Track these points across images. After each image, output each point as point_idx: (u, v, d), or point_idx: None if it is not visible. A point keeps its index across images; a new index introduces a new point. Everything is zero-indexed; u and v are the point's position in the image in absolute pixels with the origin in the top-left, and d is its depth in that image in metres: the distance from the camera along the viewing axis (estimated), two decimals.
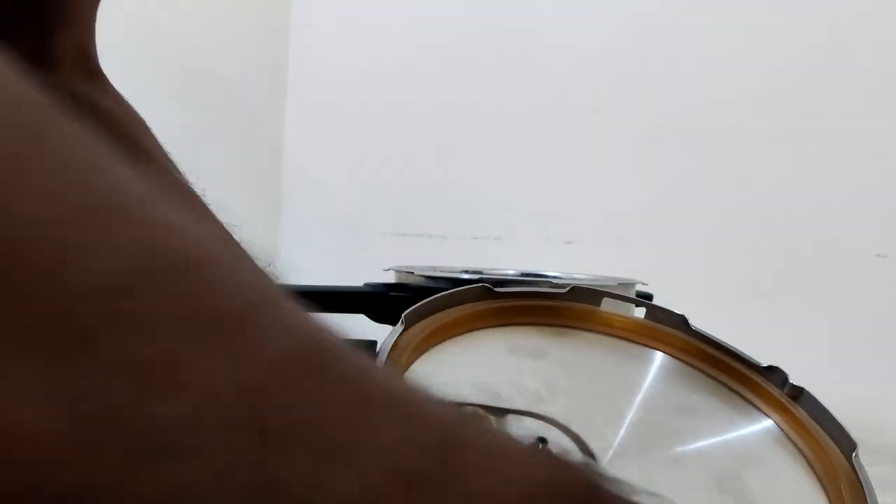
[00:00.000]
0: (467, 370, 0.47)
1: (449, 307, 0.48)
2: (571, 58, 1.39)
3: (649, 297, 0.79)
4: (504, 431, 0.21)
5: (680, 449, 0.45)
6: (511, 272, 0.92)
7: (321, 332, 0.18)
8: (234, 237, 0.48)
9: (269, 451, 0.16)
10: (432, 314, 0.48)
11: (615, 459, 0.44)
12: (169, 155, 0.52)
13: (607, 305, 0.52)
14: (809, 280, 1.18)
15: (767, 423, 0.47)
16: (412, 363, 0.45)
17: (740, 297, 1.21)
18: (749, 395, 0.48)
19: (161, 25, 1.24)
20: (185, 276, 0.16)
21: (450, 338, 0.48)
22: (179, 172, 0.52)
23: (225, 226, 0.49)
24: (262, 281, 0.18)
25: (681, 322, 0.51)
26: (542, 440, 0.42)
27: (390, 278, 0.86)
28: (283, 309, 0.18)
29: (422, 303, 0.46)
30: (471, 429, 0.20)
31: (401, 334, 0.43)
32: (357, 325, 0.71)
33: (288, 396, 0.16)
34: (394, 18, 1.58)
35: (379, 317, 0.73)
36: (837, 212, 1.18)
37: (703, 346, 0.50)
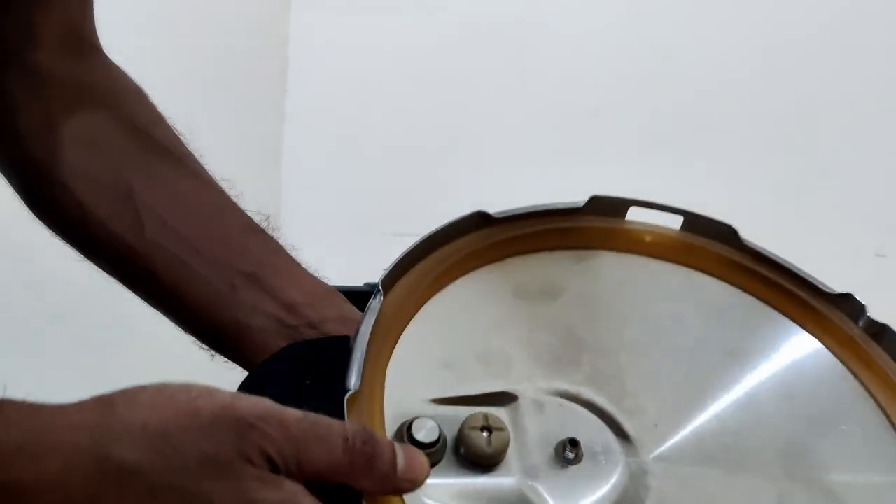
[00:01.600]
0: (467, 333, 0.37)
1: (434, 250, 0.38)
2: (571, 58, 1.40)
3: None
4: None
5: (735, 414, 0.37)
6: None
7: None
8: (230, 196, 0.49)
9: None
10: (416, 264, 0.37)
11: (658, 439, 0.35)
12: (159, 117, 0.51)
13: (635, 219, 0.42)
14: None
15: (839, 369, 0.38)
16: (402, 332, 0.35)
17: None
18: (816, 330, 0.39)
19: (156, 26, 1.26)
20: None
21: (439, 290, 0.37)
22: (169, 134, 0.51)
23: (219, 185, 0.49)
24: None
25: (729, 234, 0.41)
26: (573, 442, 0.33)
27: None
28: None
29: (397, 259, 0.36)
30: None
31: (381, 306, 0.33)
32: None
33: None
34: (394, 18, 1.58)
35: None
36: (837, 212, 1.15)
37: (758, 267, 0.40)
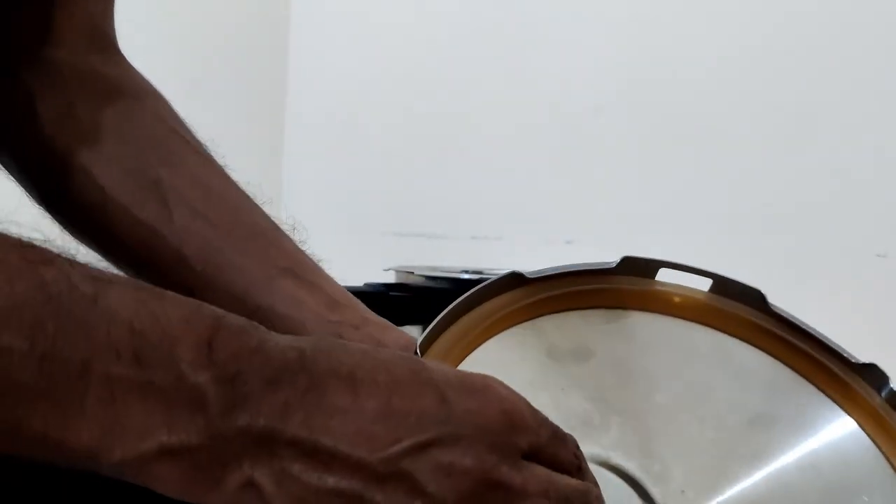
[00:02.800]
0: None
1: (470, 310, 0.39)
2: (571, 57, 1.38)
3: None
4: None
5: (761, 483, 0.37)
6: None
7: None
8: (241, 186, 0.49)
9: None
10: (451, 326, 0.38)
11: None
12: (183, 122, 0.51)
13: (665, 280, 0.43)
14: (810, 280, 1.16)
15: (862, 440, 0.39)
16: None
17: None
18: (841, 399, 0.40)
19: (157, 30, 1.24)
20: None
21: (474, 349, 0.38)
22: (192, 135, 0.51)
23: (227, 173, 0.50)
24: None
25: (757, 299, 0.42)
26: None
27: (390, 278, 0.87)
28: None
29: (435, 322, 0.37)
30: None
31: None
32: None
33: None
34: (394, 18, 1.57)
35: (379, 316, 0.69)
36: (837, 212, 1.15)
37: (785, 333, 0.41)
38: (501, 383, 0.31)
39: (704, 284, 0.43)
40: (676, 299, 0.42)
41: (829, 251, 1.18)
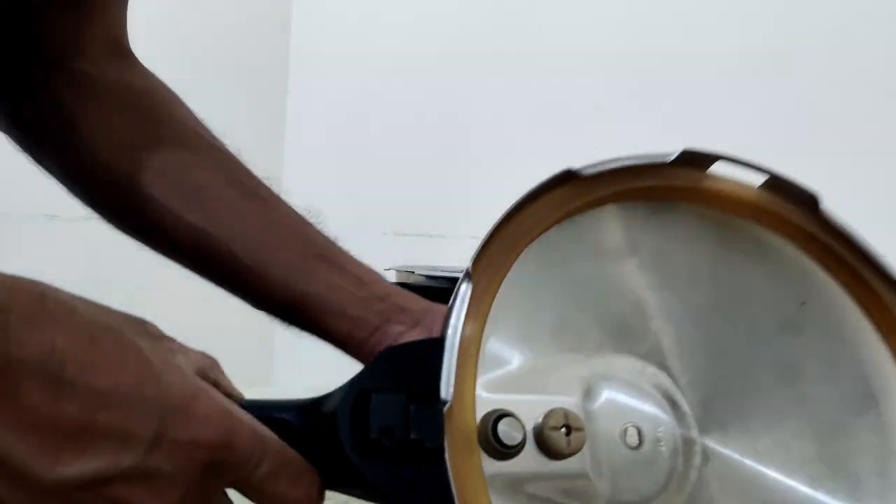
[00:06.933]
0: (544, 301, 0.37)
1: (521, 210, 0.37)
2: (571, 57, 1.40)
3: None
4: None
5: (780, 393, 0.39)
6: None
7: None
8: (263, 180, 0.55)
9: None
10: (502, 229, 0.36)
11: (705, 416, 0.37)
12: (203, 123, 0.55)
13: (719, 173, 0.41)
14: None
15: (889, 362, 0.39)
16: (489, 311, 0.35)
17: None
18: (878, 319, 0.40)
19: (157, 30, 1.19)
20: None
21: (523, 249, 0.37)
22: (215, 139, 0.55)
23: (249, 168, 0.54)
24: None
25: (811, 202, 0.40)
26: (635, 428, 0.35)
27: (391, 278, 0.87)
28: None
29: (493, 226, 0.35)
30: None
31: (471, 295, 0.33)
32: None
33: None
34: (394, 18, 1.58)
35: None
36: (838, 211, 1.11)
37: (833, 242, 0.40)
38: (231, 407, 0.29)
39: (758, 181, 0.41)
40: (726, 194, 0.40)
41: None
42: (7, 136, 0.54)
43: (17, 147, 0.54)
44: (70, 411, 0.24)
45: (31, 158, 0.54)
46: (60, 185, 0.54)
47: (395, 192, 1.57)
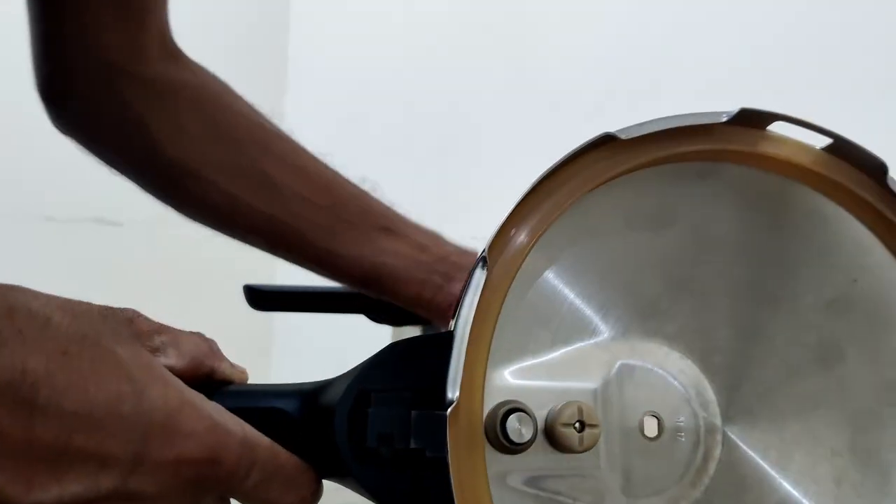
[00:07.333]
0: (570, 277, 0.34)
1: (555, 175, 0.34)
2: (572, 57, 1.39)
3: None
4: None
5: (818, 374, 0.36)
6: None
7: None
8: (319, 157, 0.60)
9: None
10: (532, 194, 0.33)
11: (731, 402, 0.35)
12: (259, 111, 0.58)
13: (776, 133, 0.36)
14: None
15: None
16: (506, 293, 0.32)
17: None
18: None
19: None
20: None
21: (556, 218, 0.34)
22: (273, 125, 0.58)
23: (305, 148, 0.59)
24: None
25: (877, 169, 0.36)
26: (655, 418, 0.33)
27: None
28: None
29: (525, 191, 0.32)
30: None
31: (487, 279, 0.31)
32: (357, 326, 0.70)
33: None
34: (394, 18, 1.58)
35: (379, 317, 0.69)
36: None
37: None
38: (219, 418, 0.27)
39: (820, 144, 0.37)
40: (783, 156, 0.36)
41: None
42: (69, 137, 0.57)
43: (81, 147, 0.57)
44: (45, 436, 0.23)
45: (93, 155, 0.57)
46: (124, 178, 0.57)
47: (394, 192, 1.55)
